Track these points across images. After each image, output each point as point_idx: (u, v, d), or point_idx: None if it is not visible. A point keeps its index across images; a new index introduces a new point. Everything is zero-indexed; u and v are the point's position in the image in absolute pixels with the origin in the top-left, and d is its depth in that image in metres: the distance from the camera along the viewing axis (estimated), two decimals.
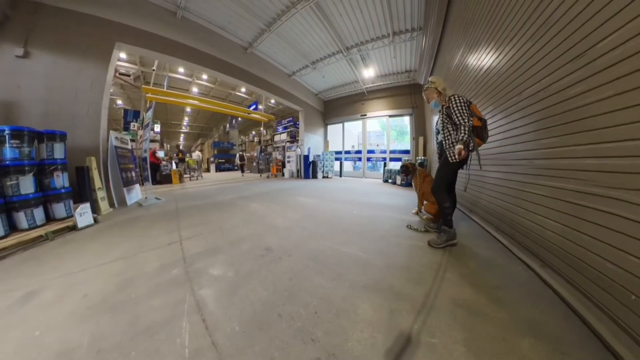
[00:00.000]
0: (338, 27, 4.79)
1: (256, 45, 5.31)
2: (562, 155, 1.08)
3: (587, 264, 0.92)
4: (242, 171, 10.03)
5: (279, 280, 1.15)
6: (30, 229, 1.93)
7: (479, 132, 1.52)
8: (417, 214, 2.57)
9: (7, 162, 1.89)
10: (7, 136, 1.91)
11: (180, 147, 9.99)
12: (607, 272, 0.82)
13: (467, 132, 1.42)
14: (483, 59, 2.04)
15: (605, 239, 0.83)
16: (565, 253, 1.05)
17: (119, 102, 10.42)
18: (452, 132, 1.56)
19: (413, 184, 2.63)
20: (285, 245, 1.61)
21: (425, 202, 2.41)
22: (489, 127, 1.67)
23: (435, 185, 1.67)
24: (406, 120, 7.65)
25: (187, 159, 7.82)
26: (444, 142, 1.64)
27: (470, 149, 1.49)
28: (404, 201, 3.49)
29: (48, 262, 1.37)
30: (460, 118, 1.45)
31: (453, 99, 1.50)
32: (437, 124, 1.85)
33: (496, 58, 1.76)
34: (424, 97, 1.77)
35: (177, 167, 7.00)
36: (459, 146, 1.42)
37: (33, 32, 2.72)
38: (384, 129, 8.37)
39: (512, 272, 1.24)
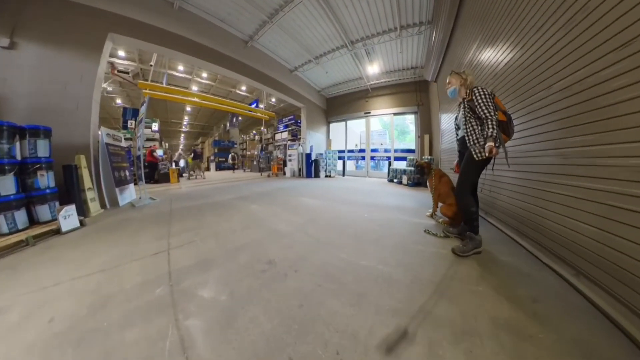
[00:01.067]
0: (343, 19, 4.57)
1: (257, 38, 5.10)
2: (600, 154, 0.99)
3: (628, 271, 0.84)
4: (234, 169, 10.56)
5: (285, 307, 0.94)
6: (10, 233, 1.77)
7: (504, 127, 1.39)
8: (431, 216, 2.38)
9: None
10: None
11: (201, 149, 10.01)
12: None
13: (495, 126, 1.29)
14: (503, 52, 1.90)
15: None
16: (602, 259, 0.97)
17: (119, 100, 10.31)
18: (475, 127, 1.42)
19: (428, 184, 2.44)
20: (290, 257, 1.40)
21: (440, 204, 2.23)
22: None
23: (460, 187, 1.51)
24: (408, 118, 7.45)
25: (188, 159, 7.67)
26: (467, 139, 1.46)
27: (497, 145, 1.33)
28: (413, 202, 3.30)
29: (23, 273, 1.25)
30: (486, 111, 1.32)
31: (477, 91, 1.37)
32: (456, 119, 1.72)
33: (519, 51, 1.66)
34: (447, 80, 1.63)
35: (182, 162, 6.86)
36: (489, 143, 1.28)
37: (20, 21, 2.54)
38: (386, 128, 8.17)
39: (544, 282, 1.15)
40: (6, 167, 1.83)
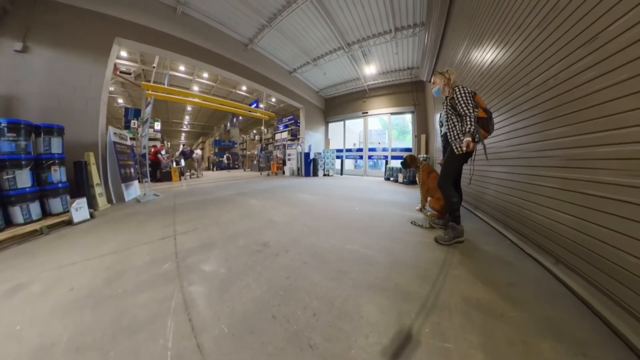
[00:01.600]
0: (339, 22, 4.72)
1: (257, 41, 5.26)
2: (575, 144, 1.03)
3: (604, 258, 0.87)
4: (229, 169, 10.90)
5: (274, 278, 1.08)
6: (25, 223, 1.91)
7: (484, 124, 1.48)
8: (421, 210, 2.50)
9: (4, 155, 1.86)
10: (3, 129, 1.88)
11: (190, 148, 10.09)
12: (627, 265, 0.76)
13: (472, 123, 1.38)
14: (488, 51, 1.99)
15: (624, 229, 0.78)
16: (580, 247, 1.00)
17: (120, 100, 10.48)
18: (456, 123, 1.51)
19: (417, 179, 2.55)
20: (283, 241, 1.54)
21: (429, 198, 2.34)
22: (495, 121, 1.61)
23: (442, 179, 1.60)
24: (407, 118, 7.56)
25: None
26: (448, 134, 1.56)
27: (476, 140, 1.43)
28: (406, 198, 3.42)
29: (40, 256, 1.35)
30: (465, 109, 1.41)
31: (457, 90, 1.46)
32: (440, 116, 1.81)
33: (502, 49, 1.73)
34: (431, 80, 1.79)
35: (183, 162, 7.01)
36: (467, 138, 1.37)
37: (32, 26, 2.70)
38: (385, 128, 8.28)
39: (524, 269, 1.19)
40: (23, 162, 1.98)
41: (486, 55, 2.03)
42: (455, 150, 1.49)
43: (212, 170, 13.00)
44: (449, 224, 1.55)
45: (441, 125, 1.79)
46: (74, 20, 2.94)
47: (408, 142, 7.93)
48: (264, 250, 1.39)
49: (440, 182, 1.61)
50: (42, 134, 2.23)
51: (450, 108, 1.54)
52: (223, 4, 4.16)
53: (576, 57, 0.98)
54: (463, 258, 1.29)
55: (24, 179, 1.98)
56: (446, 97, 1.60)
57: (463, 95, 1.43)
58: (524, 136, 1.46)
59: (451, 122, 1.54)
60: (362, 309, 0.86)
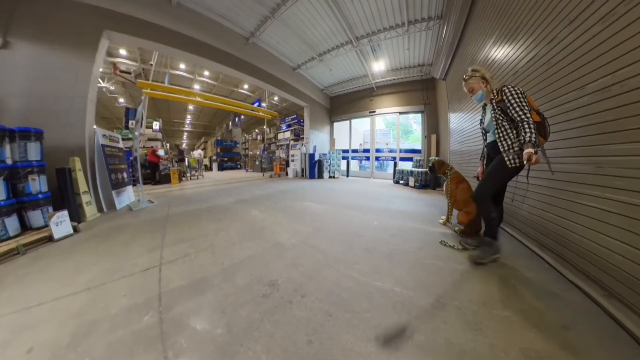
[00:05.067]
0: (348, 14, 4.37)
1: (259, 34, 4.94)
2: None
3: None
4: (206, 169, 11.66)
5: (292, 344, 0.80)
6: (1, 240, 1.69)
7: (540, 129, 1.23)
8: (445, 224, 2.22)
9: None
10: None
11: (180, 147, 9.81)
12: None
13: (532, 129, 1.15)
14: (525, 48, 1.75)
15: None
16: (636, 280, 0.90)
17: (121, 100, 10.31)
18: (509, 130, 1.28)
19: (444, 188, 2.26)
20: (295, 278, 1.25)
21: (456, 211, 2.08)
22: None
23: (481, 190, 1.39)
24: (411, 117, 7.21)
25: (189, 159, 7.56)
26: (500, 144, 1.32)
27: (537, 151, 1.18)
28: (423, 207, 3.12)
29: (8, 288, 1.17)
30: (520, 113, 1.19)
31: (508, 91, 1.24)
32: (481, 122, 1.60)
33: (545, 46, 1.48)
34: (465, 90, 1.50)
35: (176, 165, 6.78)
36: (528, 150, 1.12)
37: (13, 20, 2.44)
38: (389, 127, 7.95)
39: (572, 303, 1.05)
40: None
41: (522, 52, 1.80)
42: (508, 163, 1.26)
43: (221, 170, 12.82)
44: (485, 240, 1.40)
45: (484, 133, 1.58)
46: (58, 12, 2.68)
47: (412, 141, 7.61)
48: (272, 295, 1.10)
49: (479, 193, 1.40)
50: (17, 138, 1.97)
51: (499, 112, 1.31)
52: None
53: None
54: (507, 290, 1.15)
55: None
56: (491, 100, 1.37)
57: (517, 97, 1.21)
58: (571, 148, 1.30)
59: (502, 129, 1.31)
60: None
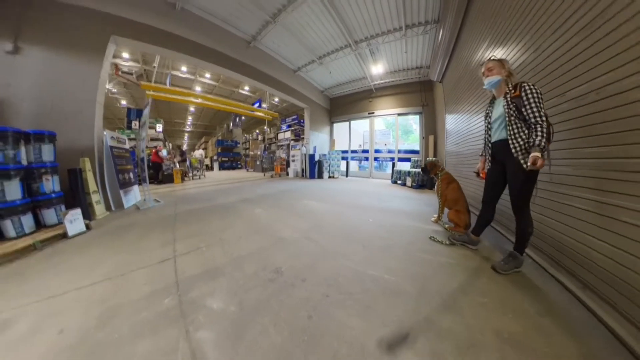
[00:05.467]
0: (347, 19, 4.49)
1: (260, 38, 5.05)
2: (616, 168, 0.96)
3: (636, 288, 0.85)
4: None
5: (294, 318, 0.93)
6: (18, 237, 1.80)
7: (548, 132, 1.18)
8: (436, 222, 2.34)
9: None
10: None
11: (182, 148, 9.88)
12: None
13: (544, 134, 1.10)
14: (515, 54, 1.83)
15: None
16: (610, 275, 0.98)
17: (123, 101, 10.39)
18: (522, 130, 1.20)
19: (436, 188, 2.38)
20: (297, 266, 1.38)
21: (447, 209, 2.20)
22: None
23: (519, 205, 1.26)
24: (411, 118, 7.32)
25: (191, 159, 7.64)
26: (511, 142, 1.24)
27: (544, 156, 1.15)
28: (418, 206, 3.25)
29: (31, 280, 1.24)
30: (537, 115, 1.12)
31: (529, 88, 1.15)
32: (487, 116, 1.47)
33: (532, 53, 1.55)
34: (482, 69, 1.40)
35: (178, 166, 6.88)
36: (535, 153, 1.08)
37: (23, 26, 2.54)
38: (389, 128, 8.06)
39: (550, 294, 1.15)
40: (12, 173, 1.84)
41: (512, 58, 1.87)
42: (525, 166, 1.18)
43: (222, 170, 12.91)
44: (512, 252, 1.34)
45: (489, 129, 1.45)
46: (67, 19, 2.78)
47: (412, 142, 7.72)
48: (277, 280, 1.23)
49: (518, 208, 1.26)
50: (32, 141, 2.08)
51: (514, 109, 1.21)
52: None
53: (628, 72, 0.88)
54: (487, 280, 1.24)
55: (13, 190, 1.85)
56: (506, 94, 1.26)
57: (536, 96, 1.13)
58: (553, 150, 1.34)
59: (514, 126, 1.21)
60: (398, 353, 0.78)
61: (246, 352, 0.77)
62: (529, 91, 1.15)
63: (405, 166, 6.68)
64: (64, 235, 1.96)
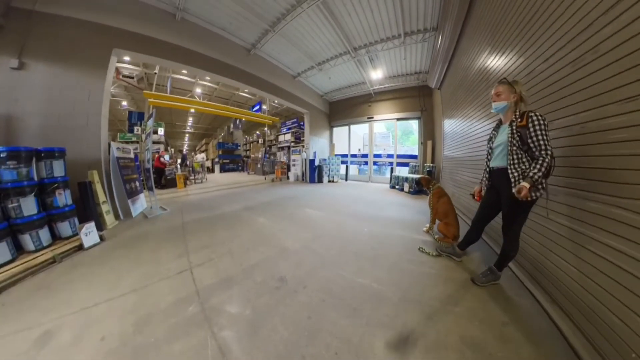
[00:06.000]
0: (346, 27, 4.53)
1: (260, 46, 5.09)
2: (587, 198, 1.03)
3: (595, 313, 0.95)
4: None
5: (297, 318, 1.14)
6: (36, 250, 1.91)
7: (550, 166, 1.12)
8: (428, 232, 2.48)
9: (7, 184, 1.82)
10: (3, 158, 1.84)
11: (183, 152, 9.94)
12: (614, 325, 0.85)
13: (544, 170, 1.05)
14: (509, 72, 1.84)
15: (616, 293, 0.85)
16: (577, 298, 1.06)
17: (124, 103, 10.38)
18: (523, 160, 1.16)
19: (428, 201, 2.50)
20: (299, 275, 1.56)
21: (437, 221, 2.33)
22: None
23: (510, 231, 1.27)
24: (412, 122, 7.36)
25: (194, 163, 7.73)
26: (510, 171, 1.20)
27: (541, 193, 1.12)
28: (413, 214, 3.37)
29: (59, 293, 1.33)
30: (542, 147, 1.07)
31: (536, 119, 1.09)
32: (490, 140, 1.43)
33: (526, 76, 1.54)
34: (494, 90, 1.31)
35: (180, 169, 6.99)
36: (523, 183, 1.07)
37: (27, 41, 2.60)
38: (389, 130, 8.11)
39: (521, 306, 1.25)
40: (26, 189, 1.94)
41: (510, 67, 1.83)
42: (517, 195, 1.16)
43: (223, 172, 12.96)
44: (491, 268, 1.42)
45: (490, 153, 1.43)
46: (69, 33, 2.83)
47: (411, 144, 7.77)
48: (282, 287, 1.41)
49: (509, 234, 1.28)
50: (43, 157, 2.18)
51: (517, 138, 1.16)
52: (224, 9, 3.99)
53: (609, 112, 0.89)
54: (464, 292, 1.36)
55: (29, 205, 1.95)
56: (511, 122, 1.21)
57: (543, 128, 1.07)
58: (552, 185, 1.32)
59: (515, 156, 1.18)
60: (375, 347, 0.97)
61: (262, 344, 0.97)
62: (536, 122, 1.09)
63: (403, 171, 6.77)
64: (80, 247, 2.06)
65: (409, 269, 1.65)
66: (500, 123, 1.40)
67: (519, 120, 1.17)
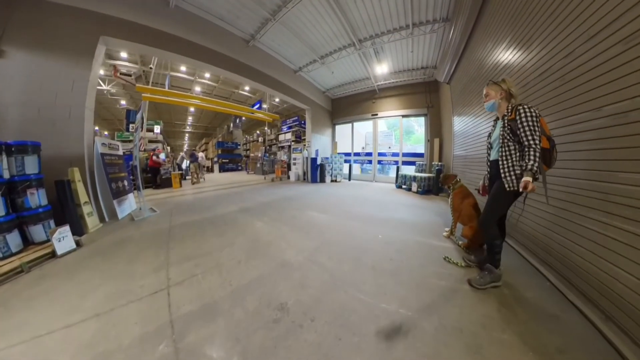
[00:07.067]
0: (351, 16, 4.27)
1: (259, 37, 4.84)
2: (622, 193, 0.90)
3: None
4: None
5: None
6: (3, 257, 1.66)
7: (546, 156, 1.20)
8: (449, 237, 2.20)
9: None
10: None
11: (192, 150, 9.81)
12: None
13: (537, 158, 1.11)
14: (539, 59, 1.67)
15: None
16: (637, 311, 0.91)
17: (123, 102, 10.23)
18: (513, 152, 1.24)
19: (449, 201, 2.21)
20: (303, 300, 1.24)
21: (461, 225, 2.07)
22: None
23: (486, 217, 1.36)
24: (413, 120, 7.10)
25: (194, 165, 7.54)
26: (500, 164, 1.28)
27: (537, 178, 1.17)
28: (427, 216, 3.09)
29: (16, 313, 1.15)
30: (530, 138, 1.13)
31: (523, 111, 1.17)
32: (489, 136, 1.52)
33: (562, 59, 1.40)
34: (484, 92, 1.43)
35: (191, 167, 6.83)
36: (526, 178, 1.11)
37: (7, 28, 2.37)
38: (391, 129, 7.85)
39: (570, 325, 1.08)
40: None
41: (535, 64, 1.72)
42: (507, 187, 1.24)
43: (222, 171, 12.76)
44: (486, 266, 1.38)
45: (489, 148, 1.50)
46: (53, 19, 2.60)
47: (414, 143, 7.52)
48: (282, 319, 1.09)
49: (484, 221, 1.38)
50: (14, 152, 1.92)
51: (508, 131, 1.24)
52: None
53: None
54: (506, 311, 1.16)
55: None
56: (503, 116, 1.30)
57: (530, 119, 1.14)
58: (580, 170, 1.26)
59: (506, 149, 1.26)
60: None
61: None
62: (523, 114, 1.17)
63: (409, 169, 6.49)
64: (53, 254, 1.82)
65: (438, 286, 1.39)
66: (497, 118, 1.47)
67: (509, 114, 1.25)
